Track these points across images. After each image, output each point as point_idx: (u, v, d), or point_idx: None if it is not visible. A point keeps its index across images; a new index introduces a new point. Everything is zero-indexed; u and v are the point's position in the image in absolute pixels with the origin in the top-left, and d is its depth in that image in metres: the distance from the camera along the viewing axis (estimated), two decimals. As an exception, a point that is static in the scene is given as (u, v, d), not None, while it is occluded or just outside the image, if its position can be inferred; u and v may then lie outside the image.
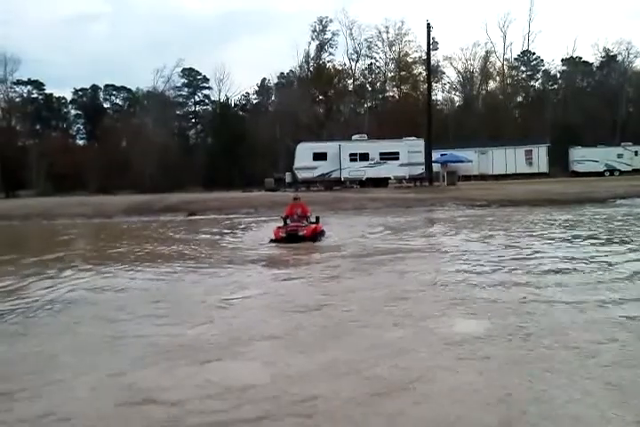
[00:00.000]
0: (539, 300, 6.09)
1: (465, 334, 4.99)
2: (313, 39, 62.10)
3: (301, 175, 35.68)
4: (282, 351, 4.72)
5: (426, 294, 6.72)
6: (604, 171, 44.82)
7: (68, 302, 6.87)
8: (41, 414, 3.59)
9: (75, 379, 4.21)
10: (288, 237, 12.06)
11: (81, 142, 66.26)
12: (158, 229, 17.81)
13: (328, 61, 63.68)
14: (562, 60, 64.93)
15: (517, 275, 7.64)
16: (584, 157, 45.77)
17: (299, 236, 12.10)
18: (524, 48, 64.75)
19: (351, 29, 62.52)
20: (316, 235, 12.57)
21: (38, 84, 62.64)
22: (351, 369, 4.18)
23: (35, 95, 63.74)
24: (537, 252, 9.77)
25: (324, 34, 62.15)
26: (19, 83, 60.97)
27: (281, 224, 12.84)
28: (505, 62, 64.78)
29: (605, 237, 11.84)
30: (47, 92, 63.83)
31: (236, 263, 9.69)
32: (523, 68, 66.01)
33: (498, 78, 65.52)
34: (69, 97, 65.46)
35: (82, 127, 66.97)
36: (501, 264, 8.52)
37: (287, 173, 37.64)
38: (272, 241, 12.27)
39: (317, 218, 13.41)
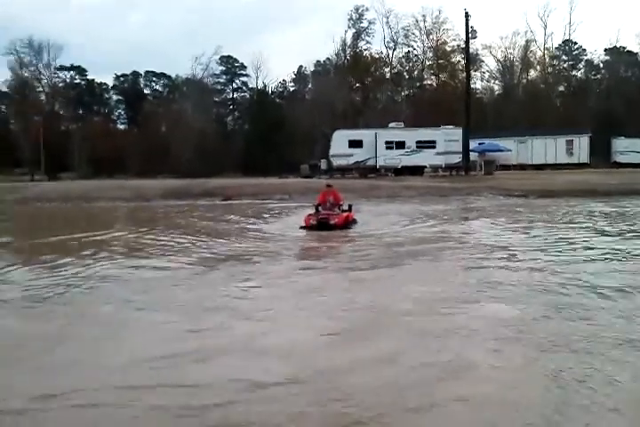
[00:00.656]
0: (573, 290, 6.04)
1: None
2: (349, 27, 61.61)
3: (337, 162, 35.66)
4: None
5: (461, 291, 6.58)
6: (648, 162, 43.56)
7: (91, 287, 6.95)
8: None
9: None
10: (319, 226, 12.01)
11: (122, 127, 67.70)
12: (193, 213, 18.11)
13: (365, 49, 63.18)
14: (605, 49, 63.25)
15: (556, 271, 7.31)
16: (627, 148, 44.50)
17: (330, 224, 12.03)
18: (566, 38, 63.24)
19: (387, 18, 61.85)
20: (348, 223, 12.53)
21: (81, 70, 63.84)
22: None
23: (77, 81, 64.97)
24: (579, 247, 9.43)
25: (361, 22, 61.61)
26: (62, 68, 62.24)
27: (312, 211, 12.81)
28: (546, 52, 63.37)
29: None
30: (89, 77, 65.13)
31: (264, 251, 9.59)
32: (564, 58, 64.39)
33: (539, 67, 64.11)
34: (111, 83, 66.81)
35: (123, 112, 68.29)
36: (541, 260, 8.18)
37: (322, 160, 37.68)
38: (302, 228, 12.20)
39: (350, 206, 13.33)
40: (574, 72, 65.23)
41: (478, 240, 10.50)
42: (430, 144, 34.97)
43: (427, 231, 12.01)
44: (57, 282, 7.10)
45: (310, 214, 12.55)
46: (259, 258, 8.90)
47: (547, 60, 63.55)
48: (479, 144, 37.57)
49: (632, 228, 12.03)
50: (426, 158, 34.98)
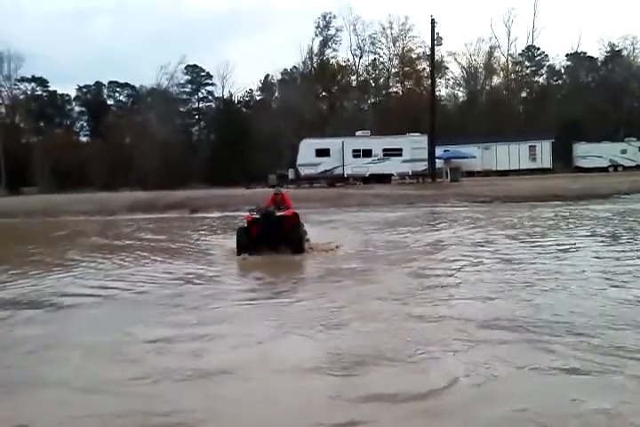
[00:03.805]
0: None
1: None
2: (317, 35, 62.07)
3: (304, 172, 35.68)
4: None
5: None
6: (608, 166, 44.53)
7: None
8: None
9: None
10: (264, 218, 10.50)
11: (85, 139, 66.27)
12: (151, 227, 17.75)
13: (332, 57, 63.63)
14: (566, 55, 64.67)
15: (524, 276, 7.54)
16: (588, 153, 45.42)
17: (277, 217, 10.47)
18: (529, 43, 64.52)
19: (355, 25, 62.49)
20: (295, 224, 10.75)
21: (42, 81, 62.48)
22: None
23: (39, 92, 63.63)
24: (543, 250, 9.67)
25: (328, 30, 62.09)
26: (22, 80, 60.87)
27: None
28: (509, 57, 64.59)
29: (615, 235, 11.67)
30: (51, 89, 63.71)
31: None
32: (527, 64, 65.63)
33: (502, 74, 65.26)
34: (73, 94, 65.53)
35: (85, 124, 66.82)
36: (517, 269, 8.17)
37: (290, 170, 37.60)
38: (239, 249, 10.46)
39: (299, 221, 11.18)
40: (536, 78, 66.55)
41: (450, 248, 10.44)
42: (397, 152, 35.28)
43: (397, 239, 11.97)
44: None
45: (251, 210, 11.09)
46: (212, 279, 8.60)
47: (509, 66, 64.73)
48: (445, 151, 38.05)
49: (598, 231, 12.20)
50: (393, 166, 35.25)
